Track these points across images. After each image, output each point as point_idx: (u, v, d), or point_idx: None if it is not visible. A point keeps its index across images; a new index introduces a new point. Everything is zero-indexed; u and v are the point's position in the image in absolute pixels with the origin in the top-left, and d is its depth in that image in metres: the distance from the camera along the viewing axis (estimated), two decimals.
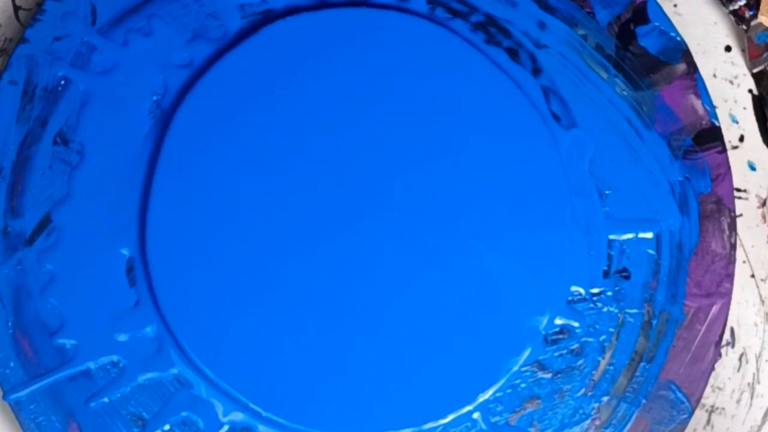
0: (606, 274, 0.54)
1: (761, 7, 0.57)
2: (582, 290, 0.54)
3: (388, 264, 0.52)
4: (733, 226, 0.55)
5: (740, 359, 0.56)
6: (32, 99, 0.53)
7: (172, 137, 0.53)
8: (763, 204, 0.57)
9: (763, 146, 0.57)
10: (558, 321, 0.53)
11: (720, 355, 0.56)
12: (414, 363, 0.52)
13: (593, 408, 0.54)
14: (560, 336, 0.53)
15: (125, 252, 0.52)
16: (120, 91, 0.53)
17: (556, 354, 0.53)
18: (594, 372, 0.54)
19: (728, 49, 0.58)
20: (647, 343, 0.54)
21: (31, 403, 0.52)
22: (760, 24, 0.57)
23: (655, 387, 0.54)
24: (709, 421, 0.56)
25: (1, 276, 0.52)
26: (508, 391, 0.53)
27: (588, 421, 0.54)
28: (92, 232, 0.52)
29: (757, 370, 0.56)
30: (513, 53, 0.55)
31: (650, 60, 0.55)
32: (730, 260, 0.55)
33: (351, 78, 0.53)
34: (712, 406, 0.56)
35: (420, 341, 0.52)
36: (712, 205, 0.55)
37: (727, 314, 0.54)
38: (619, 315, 0.54)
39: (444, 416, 0.52)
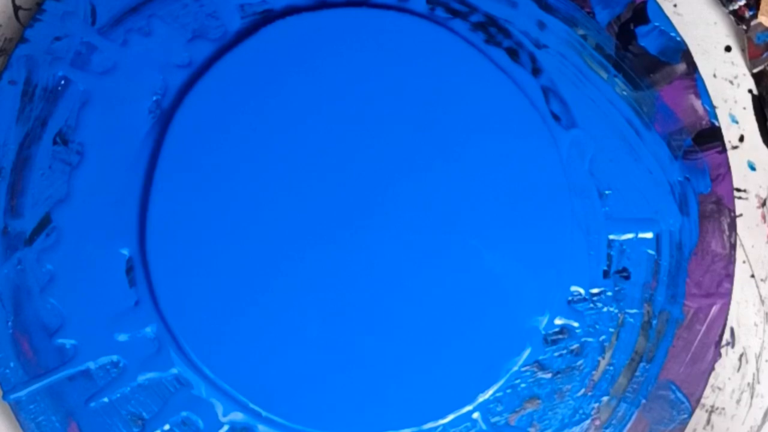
0: (606, 274, 0.54)
1: (761, 7, 0.57)
2: (582, 290, 0.54)
3: (387, 264, 0.52)
4: (733, 226, 0.55)
5: (740, 359, 0.56)
6: (32, 99, 0.53)
7: (172, 137, 0.53)
8: (763, 204, 0.57)
9: (763, 146, 0.57)
10: (558, 321, 0.53)
11: (720, 355, 0.56)
12: (414, 363, 0.52)
13: (593, 408, 0.54)
14: (560, 336, 0.53)
15: (125, 252, 0.52)
16: (120, 91, 0.53)
17: (556, 354, 0.53)
18: (594, 372, 0.54)
19: (728, 49, 0.58)
20: (647, 343, 0.54)
21: (31, 403, 0.52)
22: (760, 24, 0.57)
23: (655, 387, 0.54)
24: (709, 421, 0.56)
25: (1, 276, 0.52)
26: (508, 391, 0.53)
27: (588, 421, 0.54)
28: (92, 232, 0.52)
29: (757, 370, 0.56)
30: (513, 53, 0.55)
31: (650, 60, 0.55)
32: (730, 260, 0.55)
33: (351, 78, 0.53)
34: (712, 406, 0.56)
35: (420, 341, 0.52)
36: (712, 205, 0.55)
37: (727, 314, 0.54)
38: (619, 315, 0.54)
39: (444, 416, 0.52)
